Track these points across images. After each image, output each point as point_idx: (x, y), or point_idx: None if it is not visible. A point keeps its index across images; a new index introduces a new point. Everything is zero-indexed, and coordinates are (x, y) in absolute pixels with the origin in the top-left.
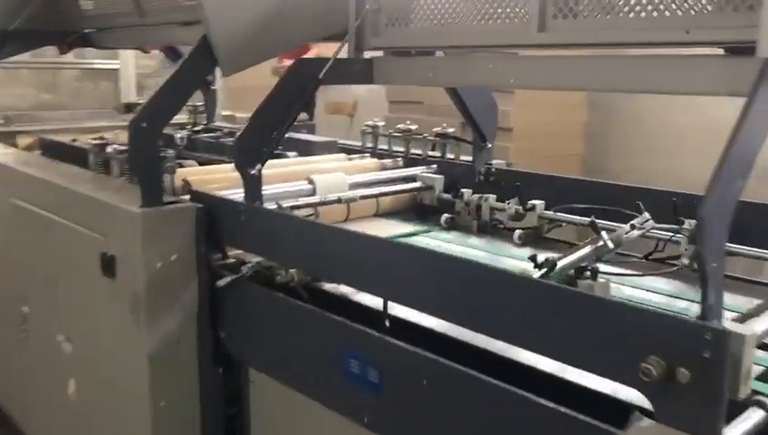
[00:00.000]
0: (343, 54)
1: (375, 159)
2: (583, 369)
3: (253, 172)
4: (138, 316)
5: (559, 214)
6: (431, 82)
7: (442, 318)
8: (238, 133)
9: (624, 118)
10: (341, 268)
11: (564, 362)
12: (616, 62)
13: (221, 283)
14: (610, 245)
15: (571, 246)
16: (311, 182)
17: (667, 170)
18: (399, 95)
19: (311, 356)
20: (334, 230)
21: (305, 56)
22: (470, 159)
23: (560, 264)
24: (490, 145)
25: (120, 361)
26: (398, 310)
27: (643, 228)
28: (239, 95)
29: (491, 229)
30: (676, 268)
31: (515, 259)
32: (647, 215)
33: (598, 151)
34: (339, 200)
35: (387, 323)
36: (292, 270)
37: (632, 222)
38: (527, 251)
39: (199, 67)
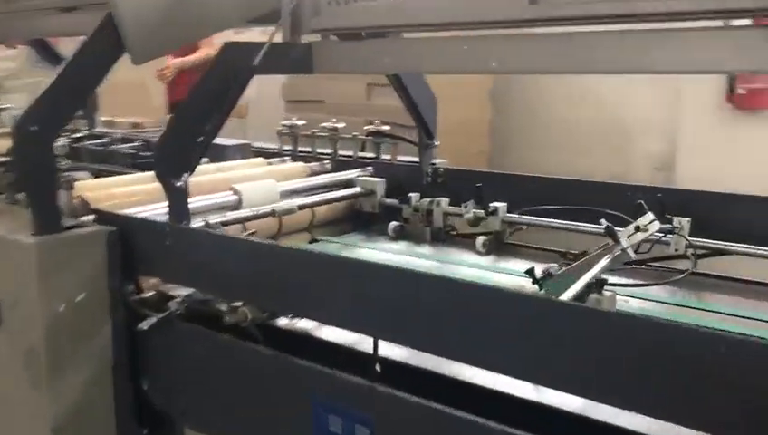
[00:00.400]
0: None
1: (301, 163)
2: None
3: (179, 184)
4: (36, 375)
5: (526, 217)
6: (388, 69)
7: (457, 360)
8: (159, 136)
9: (525, 113)
10: (315, 302)
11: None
12: (630, 39)
13: (145, 325)
14: (632, 254)
15: (559, 255)
16: (236, 193)
17: (558, 165)
18: (297, 94)
19: (272, 412)
20: (301, 254)
21: (234, 40)
22: (407, 159)
23: (583, 280)
24: (437, 142)
25: None
26: (384, 348)
27: (647, 230)
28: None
29: (444, 237)
30: (683, 275)
31: (488, 271)
32: (650, 215)
33: (501, 147)
34: (273, 213)
35: (377, 368)
36: (241, 306)
37: (636, 223)
38: (490, 260)
39: (102, 55)
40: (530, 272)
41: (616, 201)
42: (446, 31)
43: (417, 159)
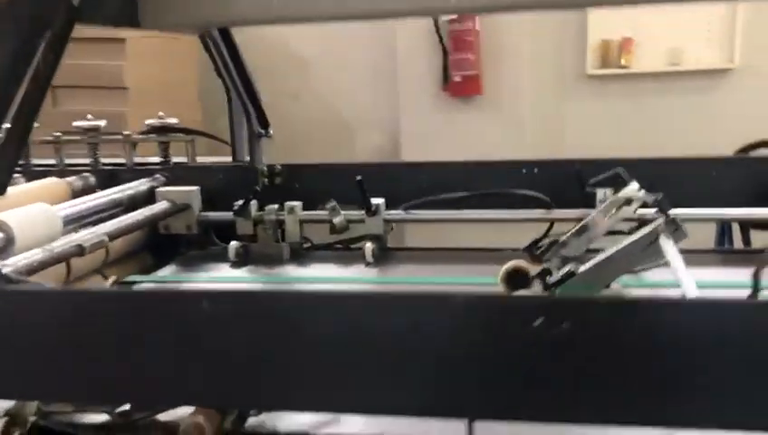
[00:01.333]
0: None
1: (54, 179)
2: None
3: None
4: None
5: (415, 212)
6: (276, 18)
7: None
8: None
9: None
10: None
11: None
12: None
13: None
14: (686, 232)
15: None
16: (1, 229)
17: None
18: None
19: None
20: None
21: None
22: (209, 159)
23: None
24: (272, 132)
25: None
26: None
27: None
28: None
29: (305, 252)
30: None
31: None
32: (635, 184)
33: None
34: (81, 250)
35: None
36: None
37: (625, 195)
38: (376, 272)
39: None
40: (541, 275)
41: (510, 180)
42: None
43: (225, 159)
